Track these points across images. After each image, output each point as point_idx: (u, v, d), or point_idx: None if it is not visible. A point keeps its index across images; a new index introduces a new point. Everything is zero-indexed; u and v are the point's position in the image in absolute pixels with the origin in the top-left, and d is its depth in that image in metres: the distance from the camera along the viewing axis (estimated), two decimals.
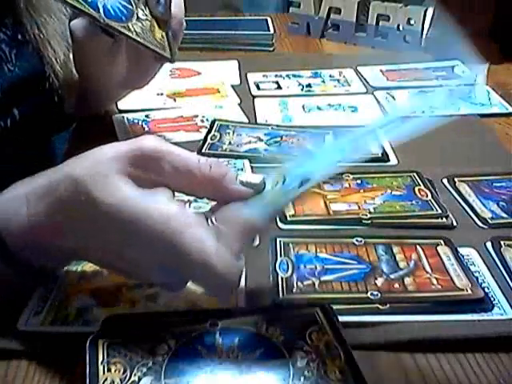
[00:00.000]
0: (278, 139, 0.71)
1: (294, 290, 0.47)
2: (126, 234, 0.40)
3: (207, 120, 0.76)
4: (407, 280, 0.48)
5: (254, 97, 0.84)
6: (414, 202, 0.58)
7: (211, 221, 0.40)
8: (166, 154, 0.41)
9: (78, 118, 0.76)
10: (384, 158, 0.68)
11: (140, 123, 0.76)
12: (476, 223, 0.56)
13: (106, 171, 0.40)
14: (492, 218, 0.56)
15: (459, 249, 0.51)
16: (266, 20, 1.12)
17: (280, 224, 0.55)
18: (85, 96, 0.72)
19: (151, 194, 0.40)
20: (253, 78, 0.91)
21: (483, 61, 0.94)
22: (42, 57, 0.66)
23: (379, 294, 0.46)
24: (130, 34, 0.55)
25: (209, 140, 0.71)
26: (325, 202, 0.58)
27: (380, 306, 0.45)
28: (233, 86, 0.86)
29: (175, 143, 0.70)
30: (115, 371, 0.38)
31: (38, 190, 0.43)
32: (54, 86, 0.68)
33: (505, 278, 0.49)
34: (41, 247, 0.43)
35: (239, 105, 0.81)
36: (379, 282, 0.47)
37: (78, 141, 0.74)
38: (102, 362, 0.39)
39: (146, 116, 0.78)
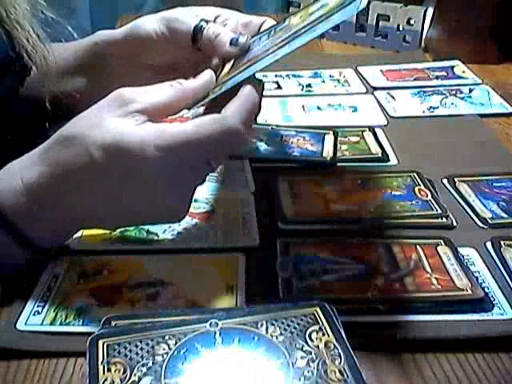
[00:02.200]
0: (278, 139, 0.71)
1: (294, 290, 0.47)
2: (126, 171, 0.43)
3: None
4: (407, 280, 0.48)
5: None
6: (413, 202, 0.58)
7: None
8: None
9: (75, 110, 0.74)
10: (384, 157, 0.68)
11: None
12: (476, 223, 0.56)
13: (95, 119, 0.44)
14: (492, 218, 0.56)
15: (459, 249, 0.51)
16: None
17: (280, 224, 0.55)
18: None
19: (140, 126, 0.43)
20: None
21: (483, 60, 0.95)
22: (12, 38, 0.65)
23: (379, 294, 0.46)
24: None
25: None
26: (325, 202, 0.59)
27: (380, 306, 0.45)
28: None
29: None
30: (115, 371, 0.38)
31: (30, 159, 0.45)
32: (27, 66, 0.66)
33: (505, 277, 0.49)
34: (42, 217, 0.45)
35: None
36: (379, 282, 0.47)
37: None
38: (102, 362, 0.39)
39: None
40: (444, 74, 0.91)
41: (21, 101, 0.66)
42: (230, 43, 0.54)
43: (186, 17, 0.58)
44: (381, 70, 0.93)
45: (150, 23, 0.59)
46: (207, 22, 0.57)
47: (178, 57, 0.60)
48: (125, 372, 0.38)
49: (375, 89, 0.87)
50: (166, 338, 0.41)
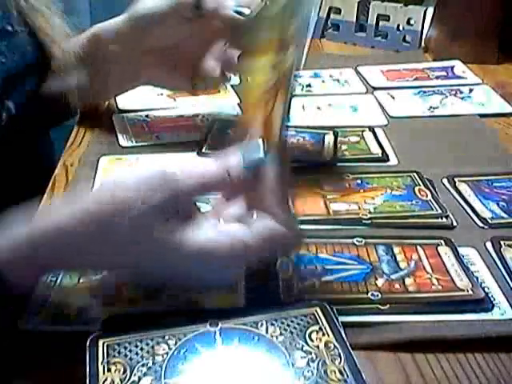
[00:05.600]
0: None
1: (295, 291, 0.47)
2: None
3: (207, 120, 0.76)
4: (408, 280, 0.48)
5: None
6: (413, 201, 0.58)
7: None
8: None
9: (78, 107, 0.74)
10: (384, 157, 0.68)
11: (140, 123, 0.76)
12: (476, 223, 0.56)
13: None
14: (492, 218, 0.56)
15: (459, 249, 0.51)
16: None
17: None
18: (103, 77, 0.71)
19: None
20: None
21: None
22: (40, 43, 0.65)
23: (379, 295, 0.46)
24: None
25: (209, 140, 0.71)
26: (325, 202, 0.58)
27: (380, 307, 0.45)
28: (233, 86, 0.86)
29: (175, 143, 0.71)
30: (115, 371, 0.38)
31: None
32: (48, 70, 0.66)
33: (505, 277, 0.49)
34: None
35: (239, 105, 0.81)
36: (380, 282, 0.47)
37: (76, 140, 0.74)
38: (102, 362, 0.39)
39: (146, 116, 0.78)
40: (444, 74, 0.91)
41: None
42: (235, 12, 0.54)
43: None
44: (381, 70, 0.93)
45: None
46: None
47: (180, 33, 0.60)
48: (125, 372, 0.38)
49: (375, 89, 0.87)
50: (166, 337, 0.41)
